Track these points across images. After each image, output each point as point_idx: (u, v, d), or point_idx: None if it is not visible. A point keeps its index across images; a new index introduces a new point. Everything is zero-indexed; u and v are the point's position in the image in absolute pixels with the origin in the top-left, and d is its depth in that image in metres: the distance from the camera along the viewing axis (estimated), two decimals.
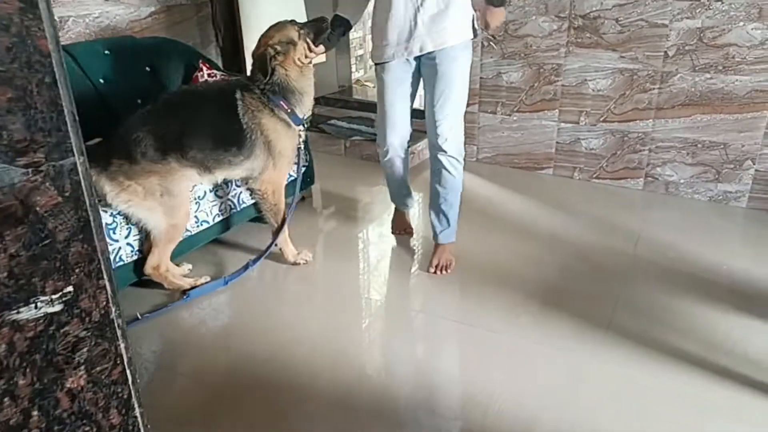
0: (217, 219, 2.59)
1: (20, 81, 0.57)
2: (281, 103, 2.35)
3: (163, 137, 2.21)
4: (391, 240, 2.85)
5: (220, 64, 3.67)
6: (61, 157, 0.62)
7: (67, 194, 0.63)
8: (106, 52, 2.86)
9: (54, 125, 0.61)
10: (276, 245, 2.57)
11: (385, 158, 2.54)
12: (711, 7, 2.85)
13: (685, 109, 3.07)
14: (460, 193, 2.48)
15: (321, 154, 3.74)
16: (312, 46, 2.35)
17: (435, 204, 2.50)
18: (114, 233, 2.18)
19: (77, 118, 0.64)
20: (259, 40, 2.39)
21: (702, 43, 2.93)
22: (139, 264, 2.30)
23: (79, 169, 0.64)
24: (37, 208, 0.60)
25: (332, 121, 4.18)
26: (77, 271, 0.65)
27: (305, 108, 2.44)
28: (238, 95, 2.33)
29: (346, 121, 4.17)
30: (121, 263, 2.23)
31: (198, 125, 2.29)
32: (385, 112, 2.41)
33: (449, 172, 2.39)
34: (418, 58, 2.29)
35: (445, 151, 2.34)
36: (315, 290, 2.51)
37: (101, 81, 2.78)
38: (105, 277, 0.69)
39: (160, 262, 2.25)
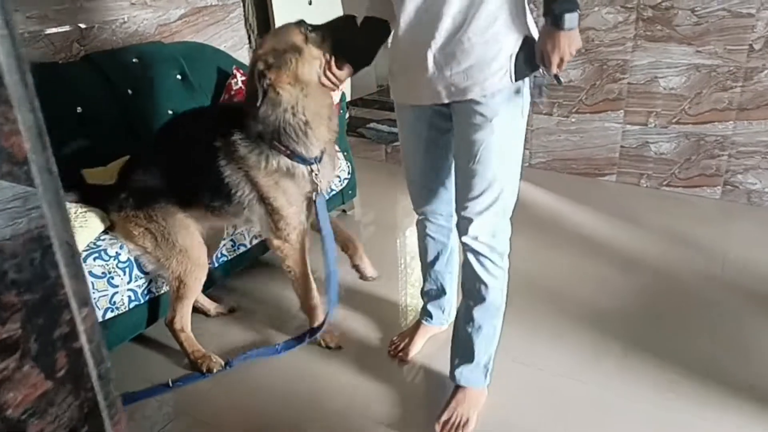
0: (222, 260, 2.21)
1: None
2: (276, 145, 1.71)
3: (151, 179, 1.87)
4: None
5: None
6: (51, 319, 0.38)
7: (61, 374, 0.39)
8: (134, 60, 2.66)
9: (37, 271, 0.37)
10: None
11: (417, 220, 1.87)
12: None
13: None
14: (499, 313, 1.66)
15: (360, 161, 3.49)
16: (331, 62, 1.62)
17: (458, 319, 1.72)
18: (145, 265, 1.97)
19: (76, 251, 0.40)
20: (252, 53, 1.87)
21: None
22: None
23: (81, 328, 0.40)
24: (9, 411, 0.37)
25: (371, 125, 3.93)
26: None
27: (315, 141, 1.75)
28: (218, 143, 1.76)
29: (386, 124, 3.90)
30: (153, 296, 2.03)
31: (181, 168, 1.85)
32: (405, 164, 1.75)
33: (477, 274, 1.58)
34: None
35: (469, 240, 1.55)
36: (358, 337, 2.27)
37: (129, 92, 2.58)
38: None
39: (173, 317, 1.97)
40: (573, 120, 3.26)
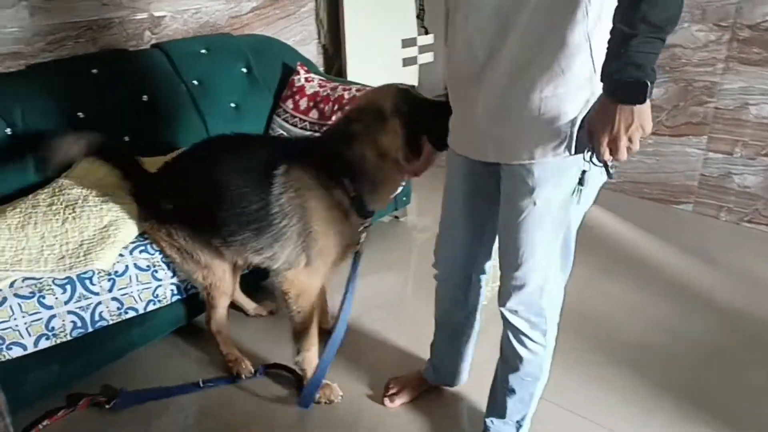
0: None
1: None
2: (345, 181, 1.63)
3: (182, 197, 1.81)
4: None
5: (321, 62, 3.42)
6: None
7: None
8: (203, 51, 2.69)
9: None
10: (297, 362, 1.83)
11: (435, 276, 1.66)
12: None
13: None
14: (536, 383, 1.50)
15: None
16: (405, 148, 1.51)
17: (496, 370, 1.57)
18: (157, 273, 1.94)
19: None
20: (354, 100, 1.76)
21: None
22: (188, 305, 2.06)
23: None
24: None
25: None
26: None
27: (379, 202, 1.70)
28: (280, 170, 1.66)
29: None
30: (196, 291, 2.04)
31: (218, 193, 1.71)
32: (443, 211, 1.55)
33: (513, 346, 1.44)
34: None
35: (507, 313, 1.40)
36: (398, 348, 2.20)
37: (195, 83, 2.61)
38: None
39: (209, 319, 1.95)
40: (650, 141, 3.05)
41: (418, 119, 1.55)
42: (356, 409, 1.83)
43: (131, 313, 1.84)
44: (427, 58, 3.72)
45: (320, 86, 2.72)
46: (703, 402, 1.82)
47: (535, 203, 1.22)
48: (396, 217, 2.98)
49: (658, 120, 2.99)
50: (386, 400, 1.83)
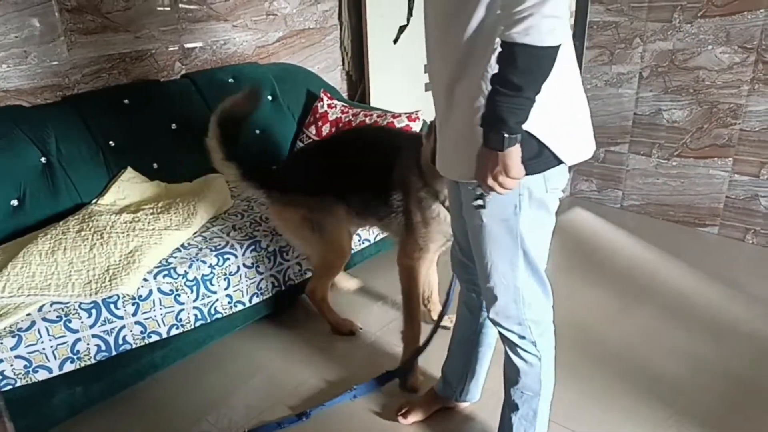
0: (256, 300, 2.20)
1: None
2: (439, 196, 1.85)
3: (322, 173, 2.13)
4: None
5: (345, 88, 3.50)
6: None
7: None
8: (230, 80, 2.79)
9: None
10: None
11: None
12: None
13: None
14: (537, 398, 1.52)
15: None
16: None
17: (506, 393, 1.60)
18: (211, 284, 2.05)
19: None
20: None
21: None
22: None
23: None
24: None
25: None
26: None
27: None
28: (398, 171, 1.97)
29: None
30: (219, 315, 2.10)
31: (359, 172, 2.08)
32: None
33: (509, 356, 1.50)
34: None
35: (493, 323, 1.48)
36: None
37: None
38: None
39: (315, 288, 2.26)
40: (674, 164, 3.01)
41: None
42: (368, 424, 1.86)
43: (154, 337, 1.91)
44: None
45: (342, 112, 2.79)
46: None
47: (482, 220, 1.30)
48: None
49: (682, 142, 2.95)
50: (399, 418, 1.86)
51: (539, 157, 1.19)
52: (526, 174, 1.17)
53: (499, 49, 1.06)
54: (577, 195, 3.45)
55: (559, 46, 1.04)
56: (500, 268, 1.35)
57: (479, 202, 1.22)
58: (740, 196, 2.85)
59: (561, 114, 1.22)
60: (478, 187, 1.19)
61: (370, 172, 2.06)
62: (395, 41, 1.26)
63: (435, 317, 2.25)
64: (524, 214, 1.27)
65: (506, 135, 1.07)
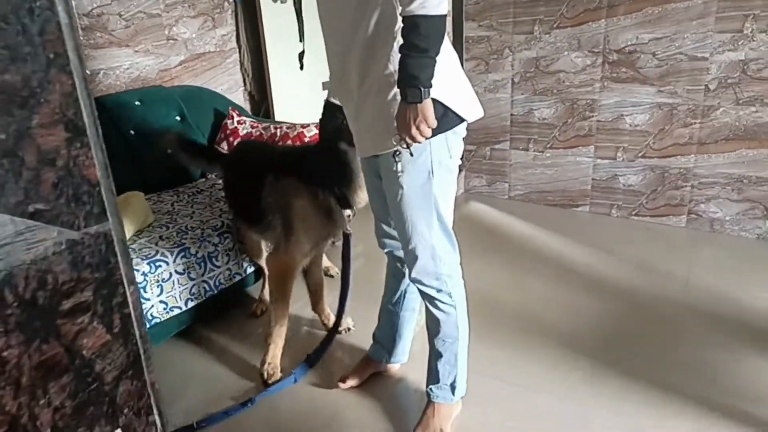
0: (191, 304, 2.30)
1: (66, 217, 0.51)
2: (331, 185, 2.03)
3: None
4: None
5: (248, 107, 3.67)
6: (111, 291, 0.55)
7: (116, 330, 0.56)
8: (137, 102, 2.87)
9: (103, 258, 0.55)
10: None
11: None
12: (755, 39, 2.75)
13: (730, 143, 2.95)
14: (456, 343, 1.78)
15: None
16: None
17: (430, 345, 1.85)
18: (145, 291, 2.13)
19: (127, 246, 0.58)
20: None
21: (746, 76, 2.82)
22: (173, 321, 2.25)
23: (129, 299, 0.58)
24: (84, 352, 0.54)
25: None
26: (125, 411, 0.59)
27: (359, 193, 2.03)
28: (272, 176, 2.13)
29: None
30: (157, 320, 2.18)
31: (242, 189, 2.32)
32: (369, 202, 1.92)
33: (430, 310, 1.76)
34: None
35: (415, 282, 1.71)
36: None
37: (132, 132, 2.78)
38: (155, 411, 0.62)
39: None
40: (548, 155, 3.48)
41: None
42: (310, 397, 2.04)
43: None
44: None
45: (252, 127, 2.96)
46: (611, 363, 2.15)
47: (402, 187, 1.54)
48: (333, 243, 3.22)
49: (552, 135, 3.43)
50: (339, 383, 2.08)
51: (445, 117, 1.48)
52: (438, 132, 1.45)
53: (401, 24, 1.33)
54: (471, 191, 3.84)
55: (446, 15, 1.33)
56: (419, 229, 1.60)
57: (406, 151, 1.45)
58: (603, 177, 3.36)
59: (455, 83, 1.53)
60: (400, 143, 1.44)
61: (253, 186, 2.19)
62: (301, 68, 1.50)
63: (327, 322, 2.43)
64: (436, 178, 1.55)
65: (422, 88, 1.32)
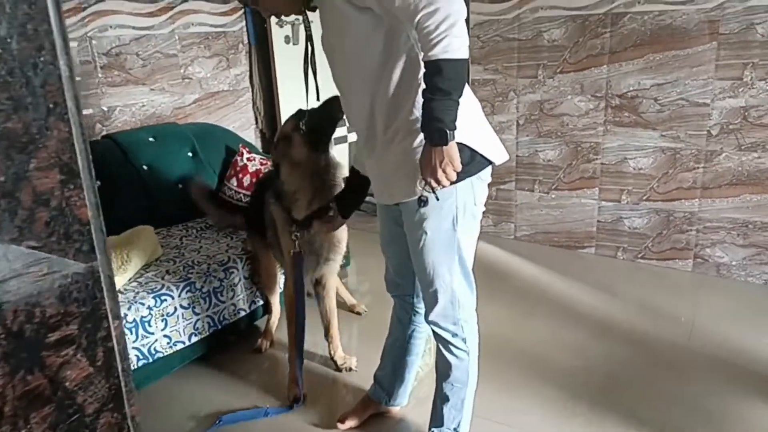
0: (194, 339, 2.34)
1: (57, 254, 0.55)
2: (280, 202, 2.18)
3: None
4: None
5: (259, 145, 3.75)
6: (96, 325, 0.58)
7: (99, 363, 0.59)
8: (151, 139, 2.95)
9: (89, 293, 0.58)
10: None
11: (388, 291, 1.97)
12: (754, 86, 2.79)
13: (733, 188, 2.96)
14: (465, 388, 1.77)
15: (355, 232, 3.71)
16: (311, 152, 2.03)
17: (434, 395, 1.84)
18: (149, 325, 2.16)
19: (113, 282, 0.61)
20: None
21: (747, 122, 2.85)
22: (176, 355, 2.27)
23: (113, 333, 0.60)
24: (67, 383, 0.56)
25: (367, 198, 4.18)
26: None
27: (300, 210, 2.11)
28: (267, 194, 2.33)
29: None
30: (160, 354, 2.20)
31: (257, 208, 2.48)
32: (382, 249, 1.89)
33: (443, 354, 1.74)
34: None
35: (432, 326, 1.71)
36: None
37: (144, 167, 2.85)
38: None
39: None
40: (553, 196, 3.50)
41: (315, 123, 2.02)
42: None
43: None
44: (356, 136, 4.13)
45: (261, 164, 3.03)
46: (614, 407, 2.13)
47: (426, 233, 1.55)
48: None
49: (557, 177, 3.46)
50: (338, 423, 2.06)
51: (473, 162, 1.49)
52: (465, 177, 1.47)
53: (424, 69, 1.35)
54: None
55: (468, 58, 1.34)
56: (440, 273, 1.60)
57: (432, 196, 1.44)
58: (608, 220, 3.37)
59: (480, 127, 1.56)
60: (425, 187, 1.43)
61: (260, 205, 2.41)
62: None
63: (333, 354, 2.44)
64: (460, 224, 1.55)
65: (447, 130, 1.32)
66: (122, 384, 0.62)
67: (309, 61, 1.68)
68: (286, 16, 1.66)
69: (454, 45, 1.28)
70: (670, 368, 2.37)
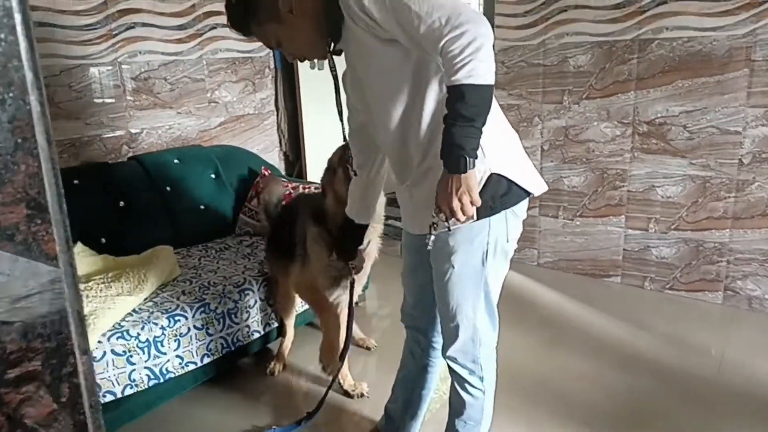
0: (207, 360, 2.32)
1: (19, 291, 0.54)
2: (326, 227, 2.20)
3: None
4: None
5: (283, 167, 3.79)
6: (61, 361, 0.58)
7: (64, 400, 0.58)
8: (176, 161, 3.01)
9: (55, 329, 0.57)
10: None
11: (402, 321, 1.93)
12: None
13: (766, 219, 2.85)
14: (479, 427, 1.73)
15: (379, 255, 3.69)
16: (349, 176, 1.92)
17: (449, 424, 1.81)
18: (162, 345, 2.17)
19: (83, 317, 0.60)
20: None
21: None
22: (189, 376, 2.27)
23: (80, 369, 0.60)
24: (27, 421, 0.56)
25: (388, 221, 4.17)
26: None
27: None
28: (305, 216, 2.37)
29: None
30: (171, 375, 2.21)
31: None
32: (402, 279, 1.84)
33: (457, 390, 1.70)
34: None
35: (449, 361, 1.66)
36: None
37: (167, 189, 2.90)
38: None
39: None
40: (578, 223, 3.43)
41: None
42: None
43: (109, 397, 2.00)
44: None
45: (282, 186, 3.05)
46: None
47: (453, 266, 1.49)
48: (356, 303, 3.21)
49: (582, 204, 3.39)
50: None
51: (509, 192, 1.42)
52: (502, 209, 1.42)
53: (447, 95, 1.26)
54: None
55: (494, 84, 1.24)
56: (464, 310, 1.54)
57: (444, 225, 1.35)
58: (635, 248, 3.27)
59: (516, 158, 1.50)
60: (438, 215, 1.34)
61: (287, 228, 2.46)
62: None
63: (342, 381, 2.41)
64: (490, 261, 1.49)
65: (467, 158, 1.24)
66: (89, 420, 0.61)
67: (339, 104, 1.61)
68: (310, 59, 1.60)
69: (480, 70, 1.21)
70: (697, 403, 2.26)
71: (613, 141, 3.21)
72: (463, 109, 1.23)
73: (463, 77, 1.21)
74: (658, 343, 2.71)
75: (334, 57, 1.53)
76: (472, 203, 1.28)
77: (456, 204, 1.27)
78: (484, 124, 1.26)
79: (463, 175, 1.26)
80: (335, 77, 1.57)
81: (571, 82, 3.26)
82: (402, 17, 1.26)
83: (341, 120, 1.65)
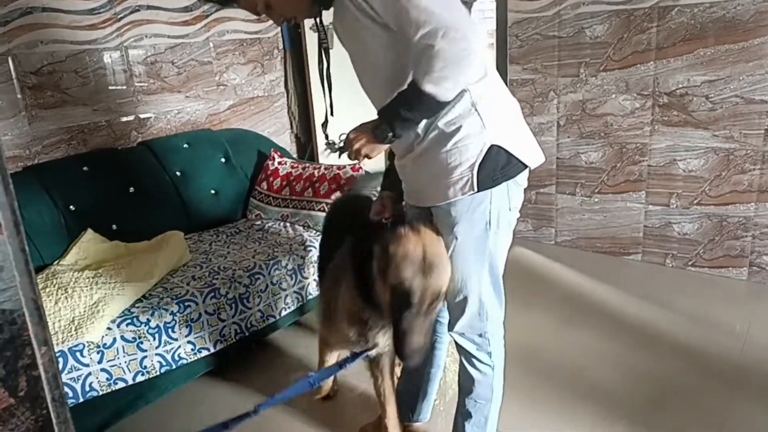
0: (220, 346, 2.25)
1: None
2: None
3: None
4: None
5: (294, 150, 3.74)
6: (16, 353, 0.54)
7: (21, 394, 0.55)
8: (185, 145, 2.98)
9: (6, 319, 0.53)
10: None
11: None
12: None
13: None
14: (489, 405, 1.69)
15: None
16: None
17: (456, 412, 1.77)
18: (173, 331, 2.16)
19: (40, 306, 0.56)
20: None
21: None
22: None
23: (39, 361, 0.56)
24: None
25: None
26: None
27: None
28: None
29: None
30: (184, 361, 2.20)
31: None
32: None
33: (465, 368, 1.67)
34: None
35: (455, 336, 1.63)
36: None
37: (177, 174, 2.88)
38: None
39: None
40: (596, 200, 3.33)
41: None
42: None
43: (120, 384, 1.99)
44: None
45: (292, 167, 3.01)
46: (660, 426, 1.98)
47: (457, 237, 1.47)
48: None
49: (600, 180, 3.29)
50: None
51: (509, 165, 1.42)
52: (502, 180, 1.42)
53: (406, 87, 1.31)
54: (516, 235, 3.70)
55: (448, 102, 1.32)
56: (469, 282, 1.52)
57: (336, 150, 1.51)
58: (656, 225, 3.17)
59: (516, 130, 1.48)
60: (342, 141, 1.47)
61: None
62: (326, 137, 1.54)
63: None
64: (493, 231, 1.48)
65: (390, 135, 1.36)
66: (53, 415, 0.57)
67: (322, 73, 1.60)
68: (300, 20, 1.58)
69: (446, 84, 1.27)
70: (721, 383, 2.19)
71: (633, 114, 3.10)
72: (416, 108, 1.32)
73: (430, 89, 1.27)
74: (680, 322, 2.63)
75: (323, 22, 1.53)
76: (365, 156, 1.42)
77: (356, 146, 1.40)
78: (422, 119, 1.38)
79: (379, 142, 1.38)
80: (322, 41, 1.57)
81: (587, 53, 3.14)
82: (401, 19, 1.28)
83: (325, 92, 1.64)
